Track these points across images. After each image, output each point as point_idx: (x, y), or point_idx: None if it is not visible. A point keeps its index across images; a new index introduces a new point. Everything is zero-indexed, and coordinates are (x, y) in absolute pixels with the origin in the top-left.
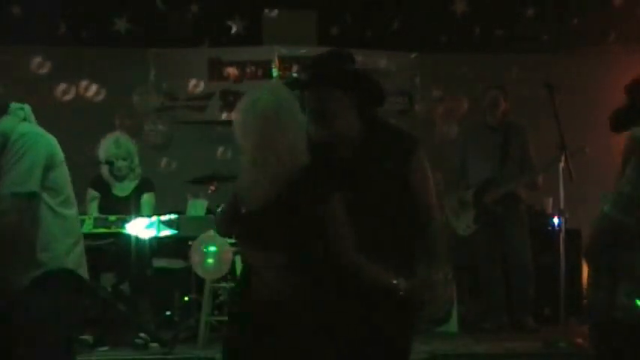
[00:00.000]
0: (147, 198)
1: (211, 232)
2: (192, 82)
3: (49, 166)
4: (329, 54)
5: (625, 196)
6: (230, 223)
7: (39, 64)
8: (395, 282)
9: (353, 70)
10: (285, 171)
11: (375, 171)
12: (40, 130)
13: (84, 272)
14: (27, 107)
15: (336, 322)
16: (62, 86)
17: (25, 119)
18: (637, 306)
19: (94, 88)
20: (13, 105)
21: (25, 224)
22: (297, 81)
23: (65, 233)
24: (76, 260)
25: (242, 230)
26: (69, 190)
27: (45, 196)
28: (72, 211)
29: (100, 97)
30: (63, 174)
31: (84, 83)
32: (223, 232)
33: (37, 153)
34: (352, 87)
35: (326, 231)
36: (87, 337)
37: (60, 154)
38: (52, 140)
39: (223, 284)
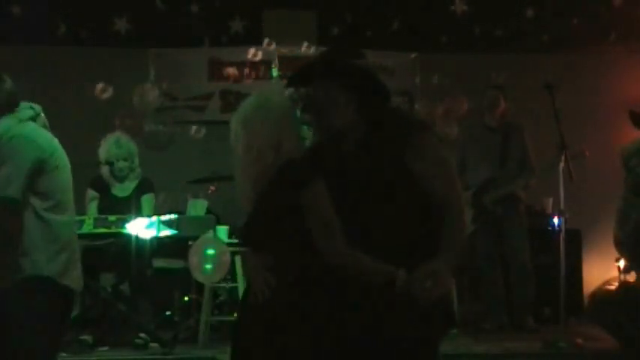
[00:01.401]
0: (147, 198)
1: (210, 234)
2: (192, 82)
3: (38, 171)
4: (329, 50)
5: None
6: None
7: (38, 65)
8: (393, 272)
9: (345, 65)
10: (269, 171)
11: (374, 164)
12: (38, 133)
13: (70, 280)
14: (37, 107)
15: (326, 326)
16: (62, 86)
17: (32, 119)
18: None
19: (96, 87)
20: (23, 104)
21: (5, 227)
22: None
23: (50, 240)
24: (59, 268)
25: (241, 235)
26: (62, 196)
27: (33, 200)
28: (61, 217)
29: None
30: (57, 179)
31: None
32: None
33: (23, 158)
34: (346, 81)
35: (307, 224)
36: (87, 337)
37: (56, 159)
38: (48, 144)
39: (223, 284)
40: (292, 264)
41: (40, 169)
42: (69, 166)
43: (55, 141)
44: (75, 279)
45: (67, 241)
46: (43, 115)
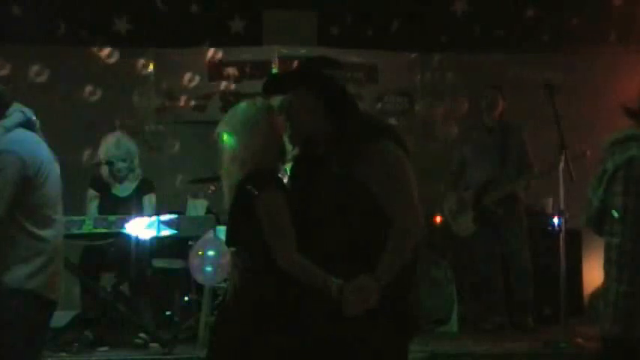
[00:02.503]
0: (148, 199)
1: (210, 235)
2: (192, 82)
3: (23, 188)
4: (306, 60)
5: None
6: None
7: (38, 65)
8: (328, 282)
9: (313, 72)
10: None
11: (333, 172)
12: (23, 147)
13: (54, 293)
14: (28, 111)
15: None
16: (62, 86)
17: (21, 124)
18: None
19: (93, 88)
20: (14, 106)
21: None
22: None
23: (34, 254)
24: (43, 282)
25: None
26: (48, 210)
27: (18, 215)
28: (47, 232)
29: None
30: (43, 194)
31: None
32: None
33: (7, 177)
34: (312, 87)
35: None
36: (87, 337)
37: (42, 175)
38: (33, 160)
39: (223, 284)
40: (257, 264)
41: (26, 185)
42: (58, 172)
43: (43, 150)
44: (57, 291)
45: (52, 254)
46: (35, 118)
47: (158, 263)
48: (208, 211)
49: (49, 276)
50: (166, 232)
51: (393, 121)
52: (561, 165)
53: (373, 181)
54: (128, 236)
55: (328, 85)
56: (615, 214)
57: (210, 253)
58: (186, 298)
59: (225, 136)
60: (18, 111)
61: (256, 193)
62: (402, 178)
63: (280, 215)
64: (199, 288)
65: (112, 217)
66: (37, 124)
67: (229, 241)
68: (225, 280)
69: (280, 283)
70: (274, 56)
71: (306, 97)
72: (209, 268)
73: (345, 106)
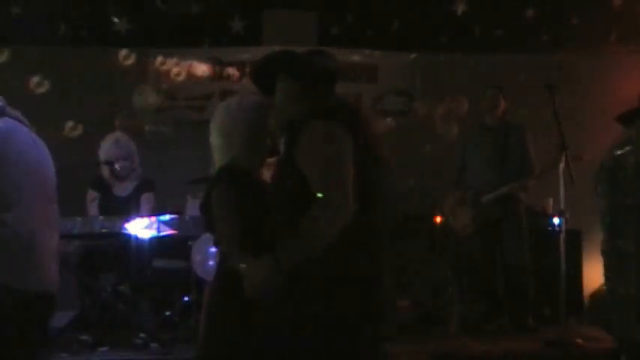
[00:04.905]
0: (146, 197)
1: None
2: (192, 82)
3: None
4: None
5: None
6: None
7: (38, 65)
8: (235, 266)
9: (290, 55)
10: None
11: (282, 156)
12: None
13: (36, 283)
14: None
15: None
16: (62, 86)
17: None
18: None
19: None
20: None
21: None
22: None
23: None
24: (14, 274)
25: None
26: (10, 192)
27: None
28: (6, 215)
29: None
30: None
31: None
32: None
33: None
34: (290, 69)
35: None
36: (87, 337)
37: (10, 155)
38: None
39: None
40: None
41: None
42: (38, 159)
43: (13, 135)
44: (42, 280)
45: (16, 242)
46: (5, 106)
47: (158, 263)
48: None
49: (14, 264)
50: (166, 232)
51: (393, 121)
52: (561, 165)
53: (301, 161)
54: (128, 236)
55: (303, 69)
56: None
57: (212, 249)
58: (186, 298)
59: (211, 132)
60: None
61: (212, 186)
62: (325, 155)
63: (225, 206)
64: (199, 288)
65: (112, 217)
66: (14, 112)
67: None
68: None
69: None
70: None
71: (285, 81)
72: (212, 263)
73: (319, 90)
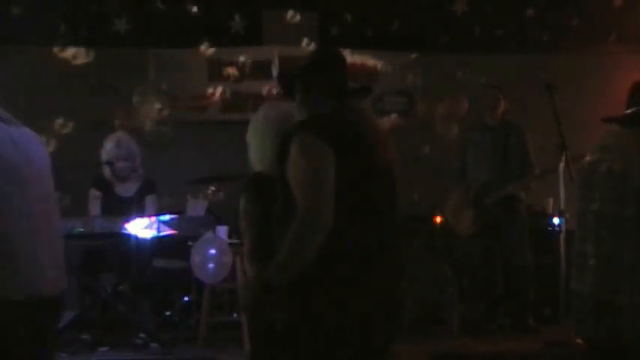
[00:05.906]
0: (150, 199)
1: (210, 235)
2: (192, 82)
3: None
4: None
5: None
6: None
7: (38, 65)
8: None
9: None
10: None
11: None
12: None
13: (17, 292)
14: None
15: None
16: (62, 86)
17: None
18: None
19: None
20: None
21: None
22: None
23: None
24: None
25: None
26: None
27: None
28: None
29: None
30: None
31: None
32: None
33: None
34: (303, 80)
35: None
36: (87, 337)
37: None
38: None
39: (223, 284)
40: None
41: None
42: (6, 156)
43: None
44: (30, 285)
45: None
46: None
47: (158, 263)
48: (208, 211)
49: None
50: (166, 232)
51: (397, 117)
52: (561, 165)
53: (288, 175)
54: (128, 236)
55: (303, 78)
56: None
57: (212, 251)
58: (186, 298)
59: (249, 132)
60: None
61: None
62: (302, 169)
63: (246, 218)
64: (199, 288)
65: (112, 217)
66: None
67: None
68: (225, 280)
69: None
70: (274, 56)
71: (297, 90)
72: (211, 265)
73: (318, 100)
